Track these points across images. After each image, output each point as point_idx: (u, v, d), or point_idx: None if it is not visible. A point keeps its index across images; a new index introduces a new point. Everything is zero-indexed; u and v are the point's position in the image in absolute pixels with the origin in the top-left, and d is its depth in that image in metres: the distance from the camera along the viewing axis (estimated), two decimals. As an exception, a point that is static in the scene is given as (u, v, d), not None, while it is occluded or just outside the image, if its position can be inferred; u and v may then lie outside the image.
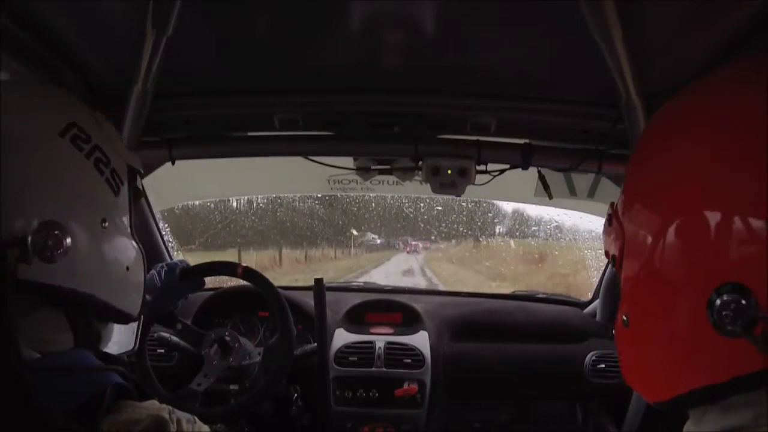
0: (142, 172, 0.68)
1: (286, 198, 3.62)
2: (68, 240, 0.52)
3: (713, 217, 0.44)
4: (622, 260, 0.54)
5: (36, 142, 0.54)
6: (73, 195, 0.55)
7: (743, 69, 0.49)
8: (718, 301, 0.42)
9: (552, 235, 3.40)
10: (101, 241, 0.57)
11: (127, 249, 0.61)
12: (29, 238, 0.50)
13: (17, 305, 0.50)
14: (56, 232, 0.51)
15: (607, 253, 0.58)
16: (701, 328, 0.44)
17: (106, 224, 0.58)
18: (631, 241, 0.52)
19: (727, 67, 0.50)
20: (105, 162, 0.58)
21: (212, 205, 3.26)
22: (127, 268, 0.61)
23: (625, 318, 0.54)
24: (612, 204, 0.57)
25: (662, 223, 0.48)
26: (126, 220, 0.62)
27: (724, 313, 0.42)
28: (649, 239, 0.49)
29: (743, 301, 0.41)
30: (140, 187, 0.68)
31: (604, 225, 0.58)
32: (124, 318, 0.62)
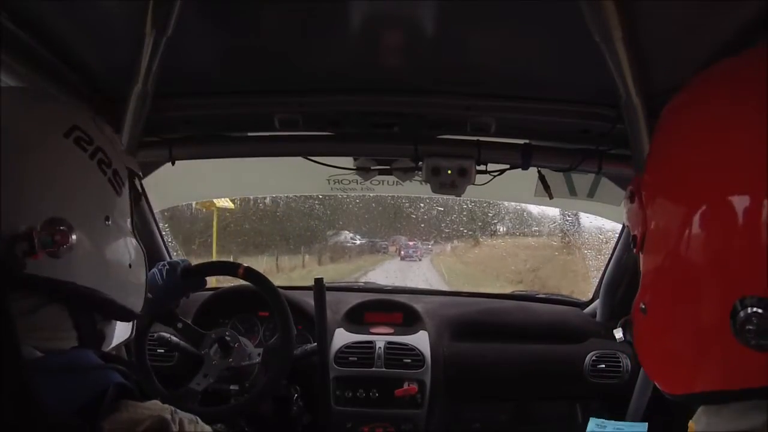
0: (141, 174, 0.69)
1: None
2: (73, 236, 0.54)
3: (741, 208, 0.40)
4: (643, 243, 0.51)
5: (42, 143, 0.56)
6: (78, 193, 0.57)
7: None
8: (741, 313, 0.40)
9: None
10: (104, 238, 0.59)
11: (129, 247, 0.63)
12: (36, 233, 0.51)
13: (21, 303, 0.51)
14: (62, 228, 0.53)
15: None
16: (722, 334, 0.42)
17: (109, 222, 0.59)
18: (656, 228, 0.49)
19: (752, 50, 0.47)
20: (107, 163, 0.60)
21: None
22: (130, 266, 0.63)
23: (643, 306, 0.51)
24: (635, 179, 0.54)
25: (688, 213, 0.44)
26: (128, 220, 0.64)
27: (747, 327, 0.40)
28: (675, 229, 0.46)
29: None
30: (140, 190, 0.69)
31: (625, 200, 0.54)
32: (126, 315, 0.64)
